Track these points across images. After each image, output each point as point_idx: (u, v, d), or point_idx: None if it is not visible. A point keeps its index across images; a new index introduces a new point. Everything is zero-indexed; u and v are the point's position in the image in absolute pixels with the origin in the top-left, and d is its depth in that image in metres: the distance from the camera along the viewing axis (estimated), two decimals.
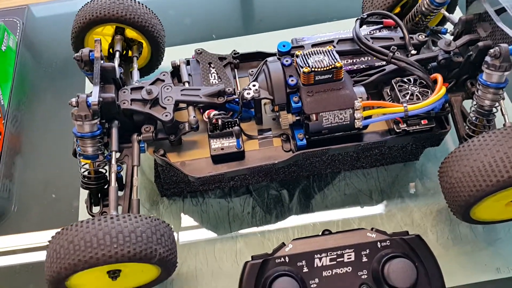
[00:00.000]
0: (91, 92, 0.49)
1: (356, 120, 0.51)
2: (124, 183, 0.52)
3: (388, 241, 0.51)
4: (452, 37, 0.59)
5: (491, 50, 0.48)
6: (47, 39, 0.83)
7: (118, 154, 0.52)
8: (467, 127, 0.54)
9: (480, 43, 0.52)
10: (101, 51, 0.52)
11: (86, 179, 0.51)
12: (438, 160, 0.62)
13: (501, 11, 0.54)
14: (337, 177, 0.63)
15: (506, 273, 0.55)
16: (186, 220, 0.61)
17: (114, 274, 0.47)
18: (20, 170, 0.68)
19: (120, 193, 0.51)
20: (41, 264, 0.58)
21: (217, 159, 0.54)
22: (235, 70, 0.59)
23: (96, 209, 0.52)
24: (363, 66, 0.57)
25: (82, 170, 0.51)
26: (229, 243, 0.59)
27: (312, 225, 0.60)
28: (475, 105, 0.52)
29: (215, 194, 0.62)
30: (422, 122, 0.53)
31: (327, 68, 0.50)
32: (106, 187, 0.52)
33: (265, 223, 0.60)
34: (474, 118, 0.53)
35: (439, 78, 0.52)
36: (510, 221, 0.55)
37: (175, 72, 0.58)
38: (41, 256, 0.60)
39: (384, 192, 0.61)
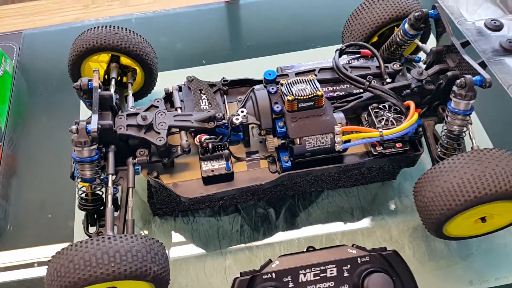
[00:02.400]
0: (89, 118, 0.52)
1: (336, 144, 0.56)
2: (119, 204, 0.55)
3: (368, 256, 0.55)
4: (425, 66, 0.64)
5: (458, 81, 0.53)
6: (42, 63, 0.87)
7: (114, 177, 0.55)
8: (439, 150, 0.59)
9: (449, 73, 0.57)
10: (99, 80, 0.55)
11: (83, 201, 0.54)
12: (414, 179, 0.66)
13: (466, 44, 0.59)
14: (320, 195, 0.67)
15: (478, 285, 0.59)
16: (178, 238, 0.64)
17: None
18: (16, 190, 0.70)
19: (116, 214, 0.54)
20: (36, 280, 0.61)
21: (208, 180, 0.57)
22: (225, 96, 0.63)
23: (92, 229, 0.55)
24: (343, 93, 0.61)
25: (80, 192, 0.54)
26: (218, 260, 0.62)
27: (297, 241, 0.63)
28: (445, 129, 0.57)
29: (205, 213, 0.66)
30: (397, 145, 0.58)
31: (309, 96, 0.54)
32: (102, 208, 0.55)
33: (253, 240, 0.63)
34: (445, 141, 0.57)
35: (412, 104, 0.57)
36: (480, 236, 0.59)
37: (168, 98, 0.62)
38: (36, 272, 0.62)
39: (364, 209, 0.65)
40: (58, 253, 0.48)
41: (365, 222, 0.65)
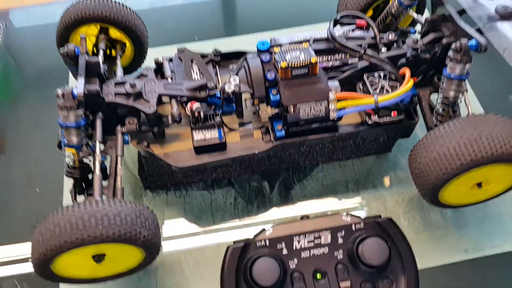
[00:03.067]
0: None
1: (331, 111, 0.55)
2: (108, 173, 0.54)
3: (362, 223, 0.54)
4: (420, 35, 0.63)
5: (453, 45, 0.52)
6: (30, 42, 0.85)
7: (102, 147, 0.54)
8: (434, 118, 0.58)
9: (444, 40, 0.57)
10: (86, 46, 0.54)
11: (70, 168, 0.53)
12: (409, 152, 0.65)
13: (461, 12, 0.58)
14: (315, 169, 0.66)
15: (473, 254, 0.59)
16: (170, 211, 0.63)
17: (99, 258, 0.48)
18: (3, 167, 0.69)
19: (105, 183, 0.53)
20: (26, 255, 0.60)
21: (200, 150, 0.56)
22: (217, 67, 0.62)
23: (81, 199, 0.53)
24: (337, 63, 0.60)
25: (67, 159, 0.53)
26: (212, 233, 0.61)
27: (292, 214, 0.62)
28: (440, 97, 0.56)
29: (198, 186, 0.64)
30: (392, 114, 0.57)
31: (303, 63, 0.53)
32: (90, 177, 0.54)
33: (247, 213, 0.62)
34: (440, 109, 0.57)
35: (407, 71, 0.56)
36: (476, 204, 0.58)
37: (158, 69, 0.61)
38: (26, 248, 0.61)
39: (359, 182, 0.65)
40: (44, 217, 0.47)
41: (360, 195, 0.64)
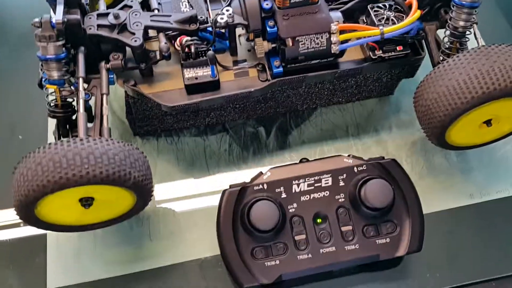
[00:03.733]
0: None
1: (332, 45, 0.51)
2: (93, 114, 0.50)
3: (365, 165, 0.51)
4: None
5: None
6: None
7: (86, 85, 0.50)
8: (441, 54, 0.54)
9: None
10: None
11: (53, 107, 0.48)
12: (413, 94, 0.62)
13: None
14: (313, 113, 0.62)
15: (478, 199, 0.57)
16: (162, 158, 0.59)
17: (86, 202, 0.45)
18: None
19: (90, 125, 0.49)
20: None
21: (192, 89, 0.52)
22: (208, 1, 0.57)
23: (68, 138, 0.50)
24: None
25: (49, 98, 0.48)
26: (206, 179, 0.58)
27: (289, 160, 0.59)
28: (449, 28, 0.52)
29: (190, 132, 0.61)
30: (398, 48, 0.53)
31: None
32: (74, 117, 0.50)
33: (242, 159, 0.59)
34: (448, 42, 0.53)
35: (414, 2, 0.52)
36: (484, 145, 0.56)
37: (144, 2, 0.56)
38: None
39: (360, 126, 0.61)
40: (24, 157, 0.43)
41: (361, 139, 0.61)
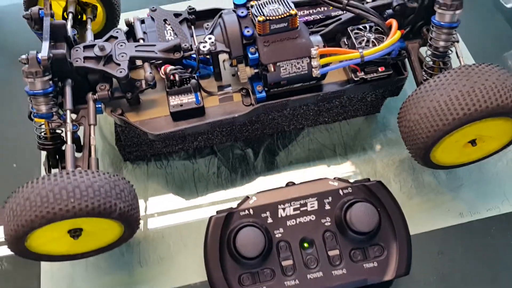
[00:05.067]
0: None
1: (313, 69, 0.51)
2: (82, 144, 0.51)
3: (350, 188, 0.51)
4: None
5: None
6: None
7: (74, 116, 0.51)
8: (424, 73, 0.55)
9: None
10: (51, 8, 0.50)
11: (42, 139, 0.50)
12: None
13: None
14: (300, 133, 0.63)
15: (468, 217, 0.56)
16: (152, 183, 0.60)
17: (75, 233, 0.46)
18: None
19: (79, 155, 0.50)
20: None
21: (177, 116, 0.53)
22: (192, 27, 0.58)
23: (55, 171, 0.51)
24: (320, 16, 0.57)
25: (38, 131, 0.50)
26: (195, 203, 0.58)
27: (278, 181, 0.60)
28: (430, 48, 0.53)
29: (180, 156, 0.62)
30: (380, 69, 0.54)
31: (282, 16, 0.50)
32: (63, 148, 0.51)
33: (230, 182, 0.60)
34: (430, 61, 0.53)
35: (394, 22, 0.53)
36: (471, 164, 0.56)
37: (130, 31, 0.57)
38: None
39: (347, 145, 0.62)
40: (13, 192, 0.44)
41: (349, 159, 0.61)
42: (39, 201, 0.42)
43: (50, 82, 0.48)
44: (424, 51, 0.56)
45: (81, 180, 0.43)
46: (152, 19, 0.57)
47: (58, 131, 0.51)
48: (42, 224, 0.42)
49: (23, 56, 0.46)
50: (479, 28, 0.72)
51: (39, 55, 0.46)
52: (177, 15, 0.57)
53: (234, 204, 0.58)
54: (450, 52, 0.52)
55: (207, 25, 0.56)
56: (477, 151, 0.53)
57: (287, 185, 0.53)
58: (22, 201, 0.42)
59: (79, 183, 0.43)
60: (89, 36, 0.57)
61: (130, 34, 0.57)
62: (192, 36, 0.57)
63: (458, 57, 0.53)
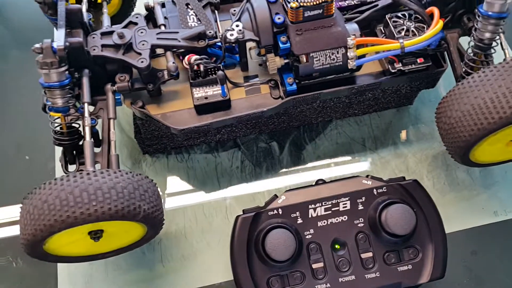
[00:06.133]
0: None
1: (349, 60, 0.48)
2: (100, 138, 0.48)
3: (385, 187, 0.48)
4: None
5: None
6: None
7: (92, 108, 0.48)
8: (464, 65, 0.51)
9: None
10: None
11: (58, 134, 0.47)
12: (433, 104, 0.59)
13: None
14: (328, 126, 0.60)
15: (503, 216, 0.54)
16: (172, 177, 0.57)
17: (96, 235, 0.43)
18: None
19: (98, 150, 0.47)
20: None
21: (201, 109, 0.50)
22: (216, 12, 0.54)
23: (72, 168, 0.48)
24: (355, 2, 0.53)
25: (54, 125, 0.46)
26: (218, 199, 0.56)
27: (305, 177, 0.57)
28: (473, 39, 0.49)
29: (201, 149, 0.59)
30: (418, 60, 0.50)
31: (317, 2, 0.46)
32: (81, 143, 0.48)
33: (255, 177, 0.57)
34: (472, 54, 0.50)
35: (436, 11, 0.49)
36: (509, 162, 0.53)
37: (150, 15, 0.53)
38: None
39: (377, 139, 0.59)
40: (30, 193, 0.41)
41: (379, 153, 0.58)
42: (58, 204, 0.39)
43: (66, 73, 0.45)
44: (463, 41, 0.53)
45: (103, 181, 0.40)
46: (174, 2, 0.53)
47: (75, 125, 0.48)
48: (61, 229, 0.39)
49: (37, 45, 0.43)
50: None
51: (55, 44, 0.43)
52: None
53: (259, 201, 0.55)
54: (495, 44, 0.48)
55: (234, 10, 0.53)
56: None
57: (317, 183, 0.50)
58: (40, 203, 0.40)
59: (101, 185, 0.40)
60: (106, 20, 0.53)
61: (150, 18, 0.53)
62: (216, 21, 0.53)
63: (503, 49, 0.49)
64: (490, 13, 0.46)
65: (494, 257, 0.52)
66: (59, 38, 0.43)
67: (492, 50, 0.49)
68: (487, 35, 0.48)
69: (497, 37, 0.48)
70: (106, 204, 0.39)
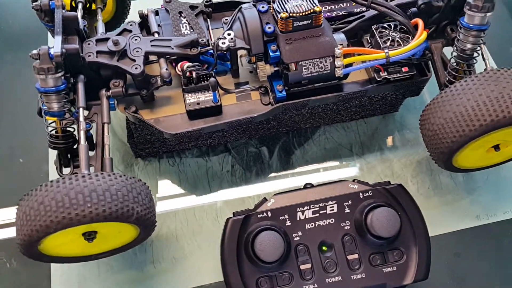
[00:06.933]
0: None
1: (336, 69, 0.50)
2: (94, 142, 0.49)
3: (370, 191, 0.50)
4: None
5: None
6: None
7: (86, 112, 0.49)
8: (447, 74, 0.53)
9: None
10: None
11: (53, 138, 0.48)
12: (418, 111, 0.61)
13: None
14: (317, 131, 0.61)
15: (485, 220, 0.56)
16: (163, 181, 0.59)
17: (90, 236, 0.44)
18: None
19: (92, 153, 0.49)
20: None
21: (193, 114, 0.51)
22: (208, 20, 0.56)
23: (66, 171, 0.49)
24: (342, 12, 0.54)
25: (49, 129, 0.48)
26: (209, 202, 0.57)
27: (293, 181, 0.59)
28: (456, 50, 0.51)
29: (192, 153, 0.60)
30: (403, 69, 0.52)
31: (306, 13, 0.47)
32: (75, 146, 0.49)
33: (245, 181, 0.59)
34: (455, 63, 0.52)
35: (420, 22, 0.51)
36: (491, 167, 0.55)
37: (143, 23, 0.55)
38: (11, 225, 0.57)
39: (364, 144, 0.61)
40: (27, 195, 0.42)
41: (365, 158, 0.60)
42: (54, 205, 0.40)
43: (62, 78, 0.46)
44: (447, 51, 0.55)
45: (97, 183, 0.41)
46: (167, 11, 0.54)
47: (69, 129, 0.49)
48: (57, 229, 0.40)
49: (34, 51, 0.44)
50: (496, 30, 0.70)
51: (52, 51, 0.44)
52: (193, 7, 0.55)
53: (249, 204, 0.57)
54: (476, 55, 0.50)
55: (226, 19, 0.54)
56: (499, 156, 0.52)
57: (305, 186, 0.52)
58: (36, 205, 0.41)
59: (95, 187, 0.41)
60: (100, 27, 0.55)
61: (143, 25, 0.55)
62: (208, 29, 0.55)
63: (484, 59, 0.51)
64: (471, 25, 0.48)
65: (476, 259, 0.54)
66: (56, 45, 0.44)
67: (474, 60, 0.51)
68: (469, 46, 0.50)
69: (478, 48, 0.50)
70: (101, 206, 0.40)
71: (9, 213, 0.57)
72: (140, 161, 0.60)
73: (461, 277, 0.53)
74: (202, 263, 0.53)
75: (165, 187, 0.58)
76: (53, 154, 0.57)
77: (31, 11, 0.57)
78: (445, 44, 0.56)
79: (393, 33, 0.52)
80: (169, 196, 0.58)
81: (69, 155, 0.49)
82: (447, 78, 0.53)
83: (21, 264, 0.53)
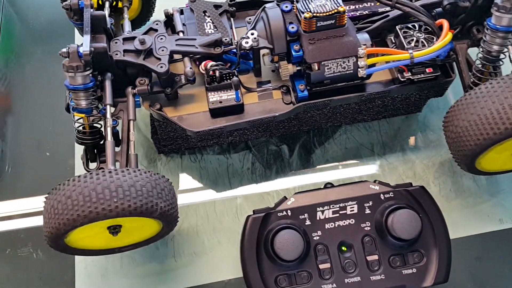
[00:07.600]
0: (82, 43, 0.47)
1: (359, 69, 0.49)
2: (120, 138, 0.50)
3: (392, 192, 0.50)
4: None
5: None
6: None
7: (113, 109, 0.50)
8: (472, 76, 0.52)
9: None
10: None
11: (81, 134, 0.49)
12: (441, 112, 0.61)
13: None
14: (338, 131, 0.61)
15: (508, 224, 0.55)
16: (185, 177, 0.60)
17: (114, 230, 0.46)
18: (12, 129, 0.66)
19: (117, 149, 0.50)
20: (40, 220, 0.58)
21: (216, 112, 0.52)
22: (231, 19, 0.56)
23: (92, 166, 0.50)
24: (366, 12, 0.54)
25: (77, 125, 0.49)
26: (229, 199, 0.58)
27: (313, 179, 0.59)
28: (482, 51, 0.50)
29: (214, 150, 0.61)
30: (427, 70, 0.52)
31: (330, 13, 0.47)
32: (102, 142, 0.50)
33: (265, 179, 0.59)
34: (480, 65, 0.51)
35: (445, 23, 0.50)
36: None
37: (168, 22, 0.56)
38: (38, 216, 0.59)
39: (386, 145, 0.60)
40: (55, 189, 0.44)
41: (387, 158, 0.60)
42: (81, 200, 0.41)
43: (90, 76, 0.47)
44: (472, 52, 0.54)
45: (123, 179, 0.43)
46: (192, 10, 0.55)
47: (96, 125, 0.50)
48: (84, 223, 0.42)
49: (64, 50, 0.45)
50: None
51: (81, 49, 0.45)
52: (217, 6, 0.55)
53: (268, 201, 0.58)
54: (503, 57, 0.50)
55: (249, 18, 0.55)
56: None
57: (326, 186, 0.52)
58: (63, 199, 0.42)
59: (121, 182, 0.42)
60: (127, 25, 0.56)
61: (168, 23, 0.55)
62: (231, 28, 0.55)
63: (511, 61, 0.50)
64: (498, 26, 0.47)
65: (498, 264, 0.53)
66: (85, 44, 0.45)
67: (500, 62, 0.51)
68: (495, 47, 0.49)
69: (505, 49, 0.49)
70: (126, 201, 0.42)
71: (36, 203, 0.59)
72: (163, 157, 0.61)
73: (482, 281, 0.52)
74: (221, 258, 0.54)
75: (187, 182, 0.59)
76: (79, 148, 0.58)
77: (58, 6, 0.59)
78: (470, 45, 0.55)
79: (418, 34, 0.51)
80: (190, 192, 0.59)
81: (95, 151, 0.51)
82: (471, 80, 0.52)
83: (47, 255, 0.55)
